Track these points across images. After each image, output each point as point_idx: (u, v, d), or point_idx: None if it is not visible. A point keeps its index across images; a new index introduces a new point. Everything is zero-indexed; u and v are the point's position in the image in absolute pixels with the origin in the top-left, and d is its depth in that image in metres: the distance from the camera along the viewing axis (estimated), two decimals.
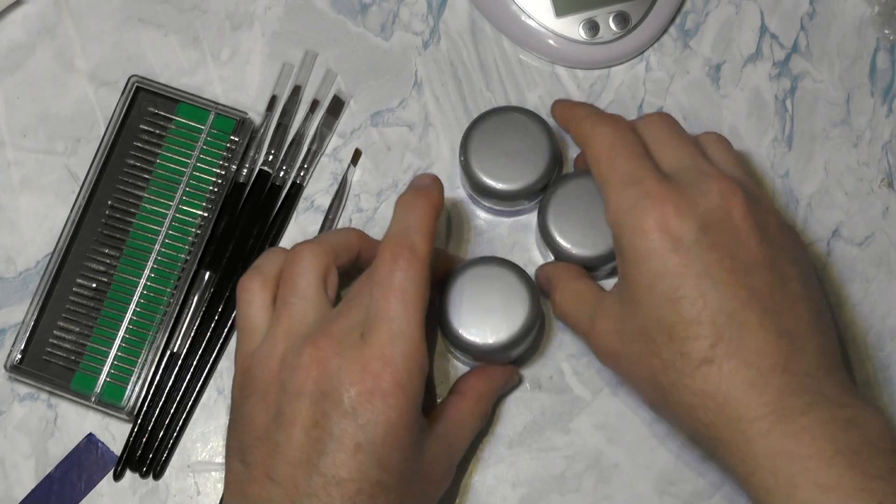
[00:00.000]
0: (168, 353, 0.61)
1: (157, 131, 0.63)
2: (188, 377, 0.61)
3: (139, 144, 0.63)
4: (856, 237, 0.64)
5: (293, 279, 0.54)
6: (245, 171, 0.63)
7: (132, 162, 0.63)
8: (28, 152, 0.65)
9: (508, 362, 0.60)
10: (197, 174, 0.63)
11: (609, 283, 0.58)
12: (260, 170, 0.64)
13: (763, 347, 0.50)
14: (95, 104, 0.65)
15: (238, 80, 0.66)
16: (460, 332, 0.57)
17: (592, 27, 0.64)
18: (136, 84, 0.63)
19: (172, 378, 0.61)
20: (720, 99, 0.65)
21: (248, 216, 0.63)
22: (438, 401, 0.60)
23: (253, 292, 0.54)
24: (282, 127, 0.64)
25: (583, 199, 0.58)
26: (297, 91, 0.65)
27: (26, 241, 0.64)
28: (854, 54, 0.66)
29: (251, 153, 0.64)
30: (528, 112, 0.60)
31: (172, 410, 0.61)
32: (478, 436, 0.61)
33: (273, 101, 0.65)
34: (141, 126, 0.63)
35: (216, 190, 0.63)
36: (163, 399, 0.61)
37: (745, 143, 0.65)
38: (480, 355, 0.58)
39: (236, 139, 0.63)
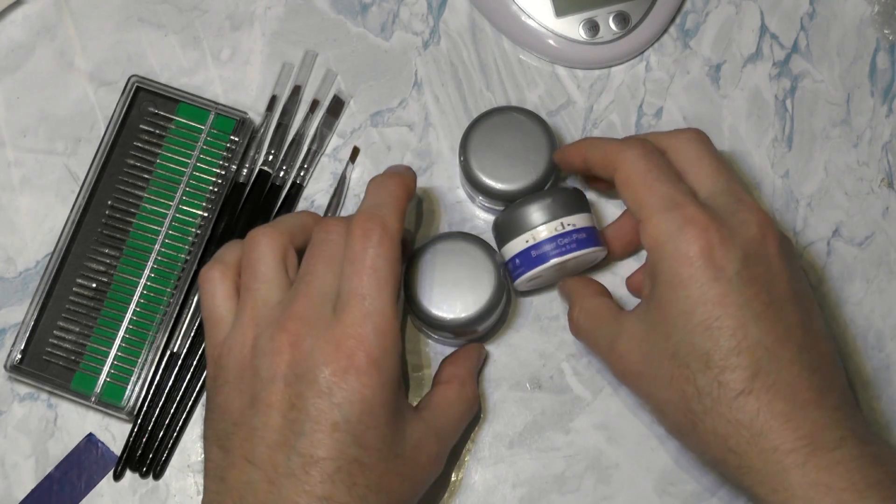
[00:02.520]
0: (168, 353, 0.61)
1: (157, 131, 0.63)
2: (188, 377, 0.61)
3: (139, 144, 0.63)
4: (856, 237, 0.64)
5: (253, 265, 0.54)
6: (245, 170, 0.63)
7: (132, 162, 0.63)
8: (28, 152, 0.65)
9: (476, 337, 0.61)
10: (197, 174, 0.63)
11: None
12: (260, 170, 0.64)
13: (798, 382, 0.51)
14: (95, 104, 0.65)
15: (238, 80, 0.66)
16: (429, 308, 0.57)
17: (592, 27, 0.64)
18: (136, 84, 0.63)
19: (172, 378, 0.61)
20: (720, 99, 0.65)
21: (249, 216, 0.63)
22: (426, 388, 0.60)
23: (214, 282, 0.55)
24: (282, 127, 0.64)
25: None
26: (297, 91, 0.65)
27: (26, 241, 0.64)
28: (854, 54, 0.66)
29: (251, 153, 0.64)
30: (527, 112, 0.60)
31: (172, 410, 0.61)
32: (477, 436, 0.61)
33: (273, 101, 0.65)
34: (141, 126, 0.63)
35: (216, 190, 0.63)
36: (163, 399, 0.61)
37: (745, 143, 0.65)
38: (451, 330, 0.58)
39: (236, 139, 0.63)
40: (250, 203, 0.63)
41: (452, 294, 0.57)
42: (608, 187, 0.60)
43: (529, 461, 0.61)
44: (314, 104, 0.65)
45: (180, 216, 0.62)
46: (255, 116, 0.65)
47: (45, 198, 0.64)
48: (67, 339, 0.61)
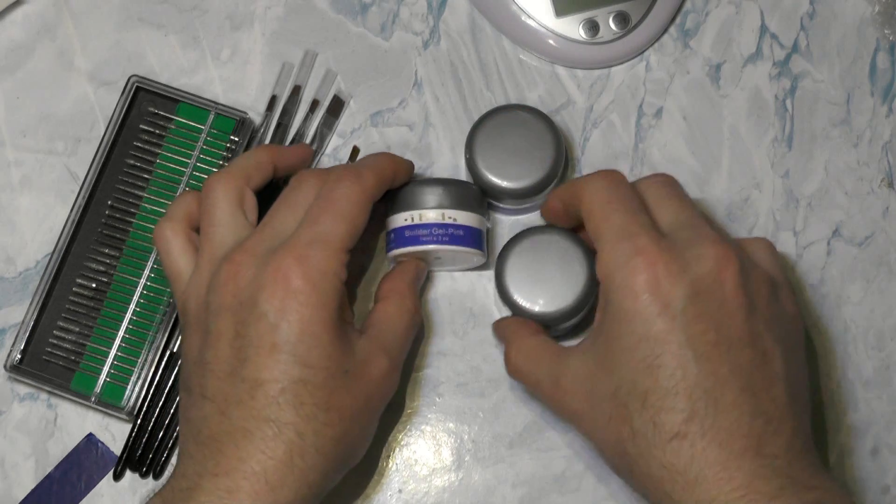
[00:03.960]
0: (168, 353, 0.61)
1: (157, 131, 0.63)
2: None
3: (139, 144, 0.63)
4: (856, 237, 0.64)
5: (208, 211, 0.55)
6: None
7: (132, 162, 0.63)
8: (28, 152, 0.65)
9: (568, 330, 0.60)
10: (197, 174, 0.63)
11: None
12: None
13: (736, 428, 0.48)
14: (95, 104, 0.65)
15: (238, 80, 0.66)
16: (520, 301, 0.57)
17: (592, 27, 0.64)
18: (135, 84, 0.63)
19: (172, 378, 0.61)
20: (720, 99, 0.65)
21: None
22: None
23: (167, 240, 0.56)
24: (282, 127, 0.64)
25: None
26: (297, 91, 0.65)
27: (26, 241, 0.64)
28: (854, 54, 0.66)
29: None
30: (533, 110, 0.60)
31: (172, 410, 0.61)
32: (477, 436, 0.61)
33: (273, 100, 0.65)
34: (141, 126, 0.63)
35: None
36: (163, 399, 0.61)
37: (745, 143, 0.65)
38: (542, 322, 0.58)
39: (236, 139, 0.63)
40: None
41: (543, 288, 0.57)
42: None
43: (529, 461, 0.61)
44: (314, 104, 0.65)
45: None
46: (255, 116, 0.64)
47: (45, 198, 0.64)
48: (67, 339, 0.61)
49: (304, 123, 0.65)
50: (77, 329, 0.61)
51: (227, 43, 0.66)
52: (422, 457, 0.61)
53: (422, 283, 0.61)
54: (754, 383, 0.49)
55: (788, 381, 0.51)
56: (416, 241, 0.58)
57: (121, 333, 0.61)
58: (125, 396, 0.60)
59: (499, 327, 0.59)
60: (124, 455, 0.61)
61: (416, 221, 0.58)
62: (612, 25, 0.64)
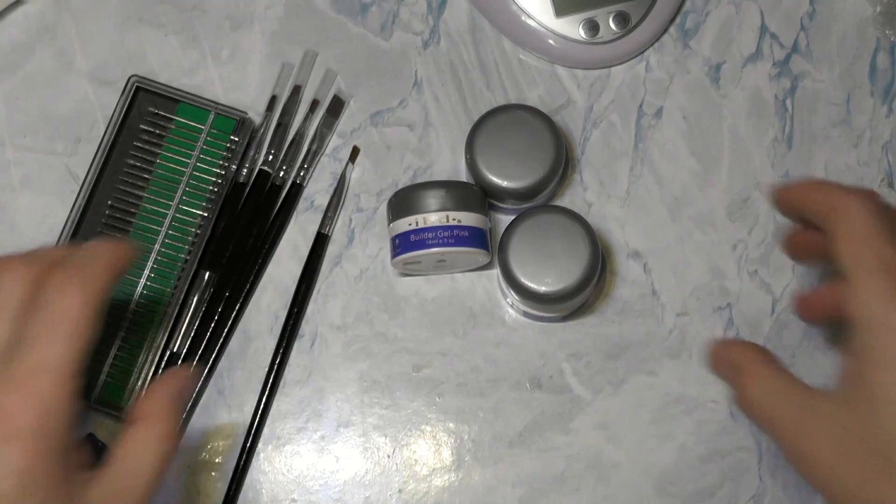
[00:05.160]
0: (168, 353, 0.61)
1: (157, 131, 0.63)
2: None
3: (139, 144, 0.63)
4: None
5: None
6: (245, 170, 0.63)
7: (132, 162, 0.63)
8: (28, 152, 0.65)
9: (569, 310, 0.60)
10: (197, 174, 0.63)
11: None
12: (260, 169, 0.64)
13: None
14: (95, 104, 0.65)
15: (238, 80, 0.66)
16: (524, 280, 0.57)
17: (592, 27, 0.64)
18: (135, 84, 0.63)
19: None
20: (720, 99, 0.65)
21: (249, 216, 0.63)
22: None
23: None
24: (282, 127, 0.64)
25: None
26: (297, 91, 0.65)
27: (26, 241, 0.64)
28: (854, 54, 0.66)
29: (251, 153, 0.64)
30: (533, 110, 0.60)
31: None
32: (477, 436, 0.61)
33: (273, 100, 0.65)
34: (141, 126, 0.63)
35: (216, 190, 0.63)
36: None
37: (745, 143, 0.65)
38: (544, 302, 0.58)
39: (236, 139, 0.63)
40: (250, 203, 0.63)
41: (547, 266, 0.57)
42: (815, 247, 0.51)
43: (529, 461, 0.61)
44: (314, 104, 0.65)
45: (180, 216, 0.62)
46: (255, 116, 0.64)
47: (45, 198, 0.64)
48: None
49: (304, 123, 0.65)
50: None
51: (226, 43, 0.66)
52: (422, 457, 0.61)
53: (188, 399, 0.54)
54: None
55: None
56: (422, 244, 0.58)
57: (121, 333, 0.61)
58: (125, 396, 0.60)
59: (727, 352, 0.52)
60: None
61: (421, 225, 0.58)
62: (612, 25, 0.64)
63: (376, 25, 0.66)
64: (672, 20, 0.66)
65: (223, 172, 0.63)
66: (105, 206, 0.63)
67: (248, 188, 0.64)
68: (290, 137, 0.64)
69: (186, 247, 0.62)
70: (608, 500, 0.60)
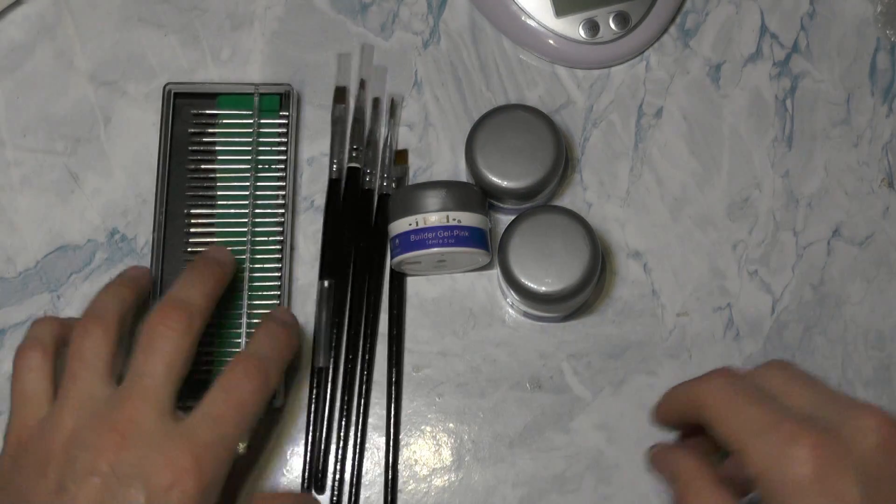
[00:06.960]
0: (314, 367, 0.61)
1: (207, 129, 0.62)
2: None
3: (194, 148, 0.62)
4: (856, 237, 0.64)
5: (83, 353, 0.51)
6: (334, 166, 0.63)
7: (193, 167, 0.62)
8: (28, 152, 0.65)
9: (569, 310, 0.60)
10: (262, 157, 0.62)
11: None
12: (349, 167, 0.63)
13: None
14: (95, 104, 0.65)
15: (238, 80, 0.66)
16: (524, 280, 0.57)
17: (592, 27, 0.64)
18: (171, 90, 0.63)
19: None
20: (720, 99, 0.65)
21: (351, 220, 0.62)
22: None
23: (33, 360, 0.52)
24: (359, 123, 0.63)
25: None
26: (363, 85, 0.64)
27: (26, 241, 0.64)
28: (854, 54, 0.66)
29: (335, 147, 0.63)
30: (533, 110, 0.60)
31: None
32: (477, 436, 0.61)
33: (342, 92, 0.64)
34: (190, 130, 0.63)
35: (285, 168, 0.62)
36: None
37: (745, 143, 0.65)
38: (544, 302, 0.58)
39: (286, 113, 0.62)
40: (348, 203, 0.62)
41: (547, 267, 0.57)
42: (714, 445, 0.51)
43: (529, 461, 0.61)
44: (375, 102, 0.64)
45: (261, 201, 0.62)
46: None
47: (45, 198, 0.64)
48: None
49: (373, 122, 0.64)
50: None
51: (227, 43, 0.66)
52: (422, 457, 0.61)
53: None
54: None
55: None
56: (422, 244, 0.58)
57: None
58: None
59: (667, 460, 0.52)
60: None
61: (421, 225, 0.58)
62: (612, 25, 0.64)
63: (376, 25, 0.66)
64: (672, 20, 0.66)
65: (285, 150, 0.62)
66: (182, 219, 0.62)
67: (342, 186, 0.63)
68: (365, 135, 0.63)
69: (277, 228, 0.61)
70: (608, 500, 0.60)
